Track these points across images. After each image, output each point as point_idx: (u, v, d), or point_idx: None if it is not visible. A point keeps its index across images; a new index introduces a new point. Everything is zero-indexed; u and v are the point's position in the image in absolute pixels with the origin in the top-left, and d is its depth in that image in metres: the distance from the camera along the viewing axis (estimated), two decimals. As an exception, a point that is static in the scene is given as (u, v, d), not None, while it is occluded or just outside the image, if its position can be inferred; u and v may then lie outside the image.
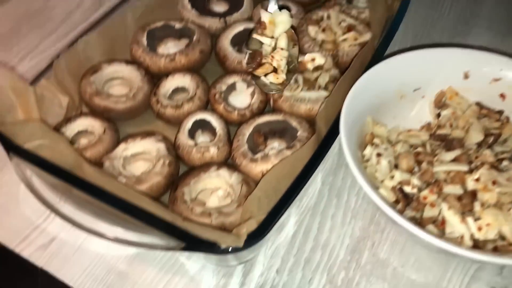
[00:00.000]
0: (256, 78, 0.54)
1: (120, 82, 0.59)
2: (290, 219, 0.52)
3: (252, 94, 0.56)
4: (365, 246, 0.49)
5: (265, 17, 0.55)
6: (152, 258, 0.49)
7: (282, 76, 0.53)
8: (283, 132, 0.53)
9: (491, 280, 0.47)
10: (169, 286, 0.47)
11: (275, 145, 0.53)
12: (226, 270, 0.48)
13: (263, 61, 0.54)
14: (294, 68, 0.55)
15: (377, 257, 0.49)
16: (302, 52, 0.60)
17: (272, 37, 0.56)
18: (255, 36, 0.56)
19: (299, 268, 0.48)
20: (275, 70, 0.53)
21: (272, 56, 0.54)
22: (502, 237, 0.42)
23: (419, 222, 0.44)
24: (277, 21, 0.56)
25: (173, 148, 0.52)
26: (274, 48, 0.55)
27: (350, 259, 0.49)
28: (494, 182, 0.43)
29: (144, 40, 0.61)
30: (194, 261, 0.49)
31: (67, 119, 0.54)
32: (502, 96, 0.52)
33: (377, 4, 0.58)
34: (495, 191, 0.43)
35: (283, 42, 0.55)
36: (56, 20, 0.75)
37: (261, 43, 0.56)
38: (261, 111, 0.56)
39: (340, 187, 0.54)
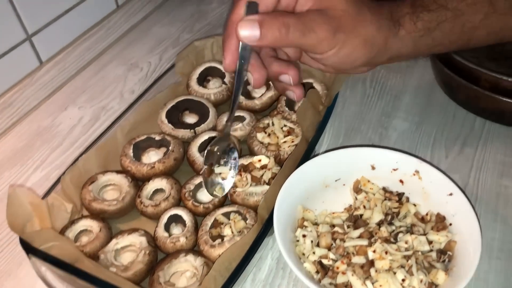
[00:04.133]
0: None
1: (112, 187, 0.76)
2: (247, 290, 0.66)
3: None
4: (303, 308, 0.63)
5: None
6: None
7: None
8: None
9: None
10: None
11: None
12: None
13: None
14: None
15: (313, 316, 0.63)
16: (252, 153, 0.77)
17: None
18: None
19: (252, 329, 0.62)
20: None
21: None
22: (394, 294, 0.56)
23: (335, 287, 0.59)
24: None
25: (153, 240, 0.68)
26: None
27: (292, 319, 0.63)
28: (386, 252, 0.58)
29: (130, 152, 0.78)
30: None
31: (72, 221, 0.70)
32: (401, 181, 0.68)
33: (308, 112, 0.76)
34: (387, 259, 0.58)
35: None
36: (62, 134, 0.92)
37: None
38: (221, 204, 0.72)
39: (285, 262, 0.68)
